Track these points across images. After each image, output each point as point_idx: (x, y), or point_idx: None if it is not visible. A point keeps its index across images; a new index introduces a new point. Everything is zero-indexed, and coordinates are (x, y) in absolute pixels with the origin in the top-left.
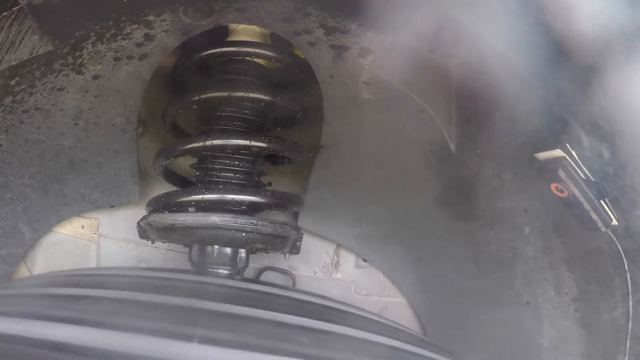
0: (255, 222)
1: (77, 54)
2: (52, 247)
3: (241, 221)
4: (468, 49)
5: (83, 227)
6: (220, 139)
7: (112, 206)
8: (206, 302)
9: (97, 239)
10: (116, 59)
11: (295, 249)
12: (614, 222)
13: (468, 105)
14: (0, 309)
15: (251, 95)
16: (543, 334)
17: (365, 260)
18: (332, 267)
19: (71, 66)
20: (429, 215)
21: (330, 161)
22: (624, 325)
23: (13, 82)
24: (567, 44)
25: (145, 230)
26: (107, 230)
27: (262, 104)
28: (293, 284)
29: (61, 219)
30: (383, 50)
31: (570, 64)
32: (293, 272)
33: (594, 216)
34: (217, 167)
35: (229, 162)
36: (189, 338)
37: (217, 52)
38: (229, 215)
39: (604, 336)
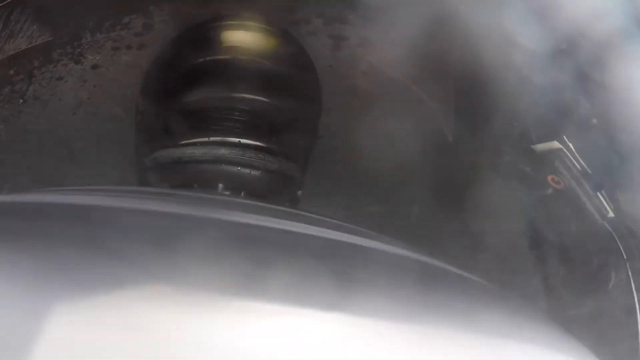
0: (262, 156)
1: (75, 43)
2: None
3: (250, 154)
4: (468, 41)
5: None
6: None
7: None
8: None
9: None
10: (115, 49)
11: (296, 199)
12: (610, 214)
13: (466, 97)
14: None
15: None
16: None
17: None
18: None
19: (70, 56)
20: (425, 209)
21: (327, 151)
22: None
23: (12, 72)
24: (568, 36)
25: (144, 175)
26: None
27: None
28: None
29: None
30: (382, 40)
31: (571, 57)
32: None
33: (590, 208)
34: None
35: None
36: None
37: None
38: (237, 149)
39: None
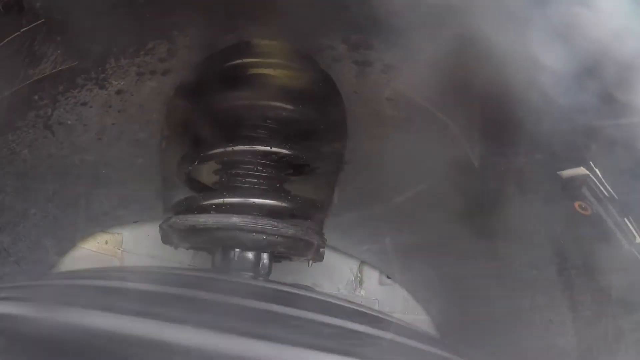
0: (276, 223)
1: (100, 68)
2: (76, 262)
3: (262, 222)
4: (492, 65)
5: (107, 242)
6: (242, 145)
7: (135, 221)
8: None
9: (121, 254)
10: (139, 74)
11: (318, 256)
12: (638, 240)
13: (492, 122)
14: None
15: (274, 103)
16: (568, 353)
17: (388, 278)
18: (356, 284)
19: (94, 81)
20: (451, 233)
21: (353, 177)
22: None
23: (36, 97)
24: (592, 57)
25: (167, 234)
26: (130, 246)
27: (285, 113)
28: None
29: (85, 235)
30: (406, 66)
31: (596, 79)
32: (316, 289)
33: (618, 234)
34: (240, 172)
35: (251, 167)
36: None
37: (240, 63)
38: (250, 217)
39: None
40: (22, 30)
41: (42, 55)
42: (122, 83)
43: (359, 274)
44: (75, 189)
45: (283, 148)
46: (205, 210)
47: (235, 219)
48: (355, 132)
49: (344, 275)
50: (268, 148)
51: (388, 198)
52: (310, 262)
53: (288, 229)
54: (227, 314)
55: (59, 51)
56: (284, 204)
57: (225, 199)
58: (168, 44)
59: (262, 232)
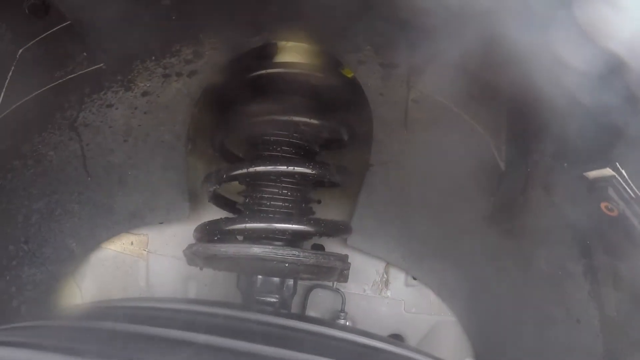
0: (297, 253)
1: (126, 70)
2: (101, 263)
3: (282, 252)
4: (517, 66)
5: (132, 243)
6: (264, 166)
7: (161, 223)
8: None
9: (146, 255)
10: (165, 76)
11: (342, 277)
12: None
13: (518, 124)
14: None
15: (297, 119)
16: (595, 353)
17: (415, 279)
18: (382, 285)
19: (120, 83)
20: (477, 233)
21: (379, 179)
22: None
23: (62, 99)
24: (618, 58)
25: (192, 258)
26: (156, 247)
27: (309, 127)
28: (342, 302)
29: (110, 236)
30: (432, 68)
31: (620, 80)
32: (342, 291)
33: None
34: (263, 195)
35: (275, 189)
36: None
37: (264, 73)
38: (270, 247)
39: None
40: (47, 32)
41: (67, 57)
42: (148, 85)
43: (385, 275)
44: (101, 190)
45: (306, 167)
46: (228, 235)
47: (255, 250)
48: (381, 135)
49: (370, 276)
50: (291, 168)
51: (414, 200)
52: (334, 282)
53: (309, 258)
54: None
55: (84, 53)
56: (306, 228)
57: (247, 225)
58: (194, 46)
59: (284, 261)
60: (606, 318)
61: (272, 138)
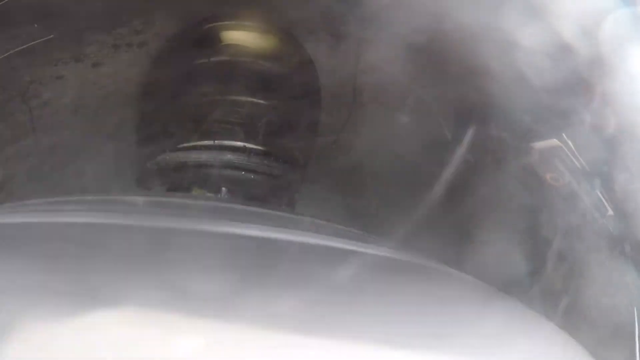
0: (268, 163)
1: (76, 41)
2: None
3: (255, 160)
4: (467, 42)
5: None
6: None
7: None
8: None
9: None
10: (115, 47)
11: (291, 203)
12: (610, 212)
13: (466, 97)
14: None
15: (242, 99)
16: None
17: None
18: None
19: (70, 54)
20: (422, 202)
21: (328, 152)
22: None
23: (13, 71)
24: (568, 38)
25: (147, 174)
26: None
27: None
28: None
29: None
30: (382, 40)
31: (569, 60)
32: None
33: (590, 206)
34: (225, 119)
35: (236, 115)
36: None
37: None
38: (244, 155)
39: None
40: None
41: (18, 29)
42: (98, 56)
43: None
44: (50, 164)
45: (261, 144)
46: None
47: (230, 156)
48: (329, 107)
49: None
50: (249, 98)
51: (364, 172)
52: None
53: (277, 169)
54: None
55: (35, 25)
56: (268, 149)
57: (215, 141)
58: (144, 16)
59: (253, 170)
60: (549, 292)
61: (220, 119)
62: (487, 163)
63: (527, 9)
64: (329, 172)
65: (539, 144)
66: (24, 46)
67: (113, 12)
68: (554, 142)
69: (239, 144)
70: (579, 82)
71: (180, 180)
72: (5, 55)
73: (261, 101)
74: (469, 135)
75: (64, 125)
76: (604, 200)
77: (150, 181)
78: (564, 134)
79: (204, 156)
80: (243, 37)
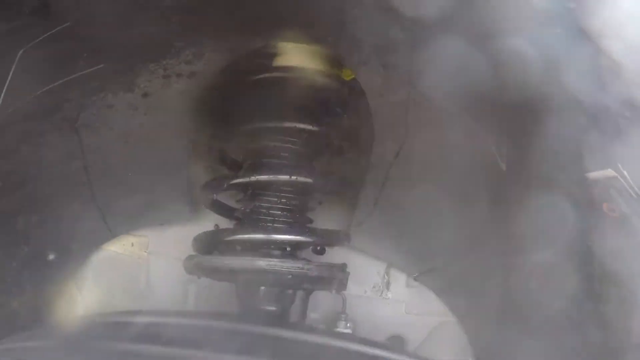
0: (301, 266)
1: (126, 71)
2: (101, 264)
3: (287, 265)
4: (517, 66)
5: (132, 245)
6: (265, 175)
7: (161, 224)
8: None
9: (147, 257)
10: (165, 77)
11: (342, 286)
12: None
13: (519, 124)
14: None
15: (298, 125)
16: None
17: (415, 280)
18: (383, 287)
19: (120, 84)
20: (478, 236)
21: (380, 179)
22: None
23: (62, 100)
24: (617, 59)
25: (192, 270)
26: (156, 248)
27: (311, 134)
28: (343, 304)
29: (111, 237)
30: (432, 68)
31: (620, 81)
32: (343, 292)
33: None
34: (262, 204)
35: (274, 198)
36: None
37: (263, 77)
38: (275, 260)
39: None
40: (47, 33)
41: (68, 58)
42: (148, 85)
43: (386, 276)
44: (101, 192)
45: (307, 177)
46: (229, 246)
47: (260, 263)
48: (381, 136)
49: (371, 278)
50: (294, 178)
51: (415, 200)
52: (334, 291)
53: (312, 270)
54: None
55: (84, 54)
56: (307, 239)
57: (249, 236)
58: (194, 47)
59: (288, 273)
60: (606, 321)
61: (272, 144)
62: (541, 191)
63: (576, 30)
64: (380, 203)
65: (594, 174)
66: (75, 75)
67: (163, 43)
68: (609, 172)
69: (275, 237)
70: (629, 106)
71: (219, 278)
72: (56, 84)
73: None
74: (521, 162)
75: (113, 154)
76: None
77: (195, 272)
78: (619, 164)
79: (235, 263)
80: (293, 68)
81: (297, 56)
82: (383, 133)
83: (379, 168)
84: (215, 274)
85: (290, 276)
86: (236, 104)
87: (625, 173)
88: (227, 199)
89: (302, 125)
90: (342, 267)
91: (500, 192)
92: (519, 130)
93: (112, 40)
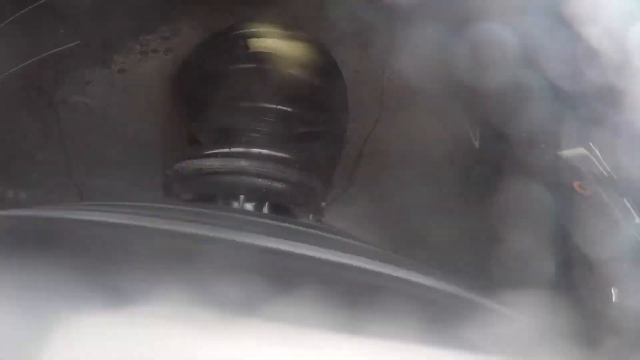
0: (283, 168)
1: (103, 47)
2: None
3: (269, 166)
4: (494, 50)
5: None
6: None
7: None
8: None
9: None
10: (142, 53)
11: (319, 212)
12: (637, 220)
13: (493, 103)
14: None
15: (269, 106)
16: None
17: None
18: None
19: (97, 60)
20: (451, 215)
21: (355, 158)
22: None
23: (39, 76)
24: (595, 43)
25: (170, 182)
26: None
27: (283, 115)
28: None
29: None
30: (409, 47)
31: (597, 67)
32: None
33: (617, 214)
34: (245, 126)
35: (255, 122)
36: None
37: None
38: (257, 161)
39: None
40: (25, 9)
41: (44, 34)
42: (124, 61)
43: None
44: (77, 169)
45: (288, 106)
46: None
47: (243, 163)
48: (356, 114)
49: None
50: (273, 106)
51: (390, 180)
52: (311, 216)
53: (294, 175)
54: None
55: (61, 30)
56: (289, 156)
57: (231, 148)
58: (171, 23)
59: (269, 176)
60: (578, 299)
61: (241, 126)
62: (513, 170)
63: (554, 14)
64: (356, 178)
65: (567, 152)
66: (51, 51)
67: (140, 19)
68: (581, 150)
69: (255, 150)
70: (606, 88)
71: (199, 188)
72: (32, 60)
73: (283, 109)
74: (495, 141)
75: (92, 130)
76: (631, 208)
77: (173, 189)
78: (591, 142)
79: (217, 163)
80: (267, 44)
81: (272, 36)
82: (357, 111)
83: (353, 145)
84: (193, 183)
85: (270, 182)
86: (210, 83)
87: (597, 152)
88: None
89: (276, 106)
90: (326, 182)
91: (473, 172)
92: (495, 113)
93: (89, 16)
